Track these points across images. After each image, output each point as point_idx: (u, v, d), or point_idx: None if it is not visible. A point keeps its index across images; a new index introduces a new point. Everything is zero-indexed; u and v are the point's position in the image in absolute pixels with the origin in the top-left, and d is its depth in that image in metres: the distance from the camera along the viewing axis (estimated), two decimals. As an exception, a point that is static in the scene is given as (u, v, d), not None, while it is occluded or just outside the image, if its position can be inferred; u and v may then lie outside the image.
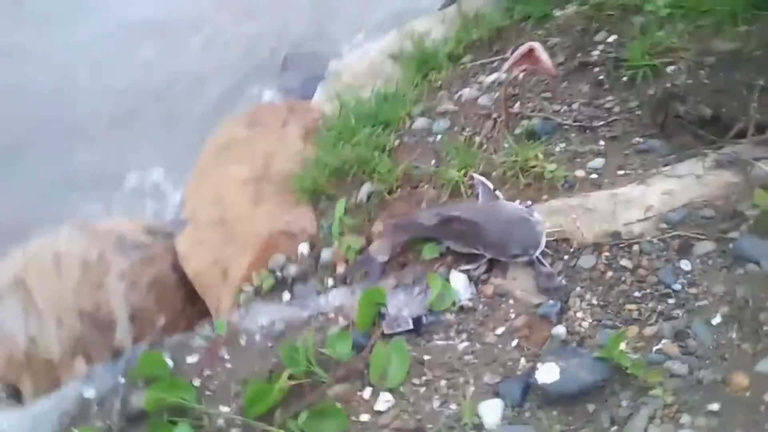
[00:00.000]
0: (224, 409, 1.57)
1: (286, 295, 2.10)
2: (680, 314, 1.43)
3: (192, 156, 3.23)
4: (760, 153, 1.71)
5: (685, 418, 1.24)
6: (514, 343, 1.52)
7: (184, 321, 2.64)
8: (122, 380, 1.70)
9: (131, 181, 4.22)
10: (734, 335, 1.36)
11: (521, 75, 2.26)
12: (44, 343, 2.65)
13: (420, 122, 2.45)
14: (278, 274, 2.21)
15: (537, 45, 2.00)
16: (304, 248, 2.24)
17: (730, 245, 1.51)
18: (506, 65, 2.15)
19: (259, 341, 1.72)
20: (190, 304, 2.72)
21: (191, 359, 1.72)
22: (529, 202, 1.85)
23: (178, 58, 5.52)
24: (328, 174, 2.37)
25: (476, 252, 1.75)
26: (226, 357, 1.70)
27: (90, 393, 1.70)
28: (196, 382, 1.64)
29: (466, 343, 1.56)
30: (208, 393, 1.62)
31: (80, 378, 1.76)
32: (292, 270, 2.17)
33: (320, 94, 3.92)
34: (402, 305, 1.66)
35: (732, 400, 1.25)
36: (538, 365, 1.36)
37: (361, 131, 2.46)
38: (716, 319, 1.39)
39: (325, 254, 2.13)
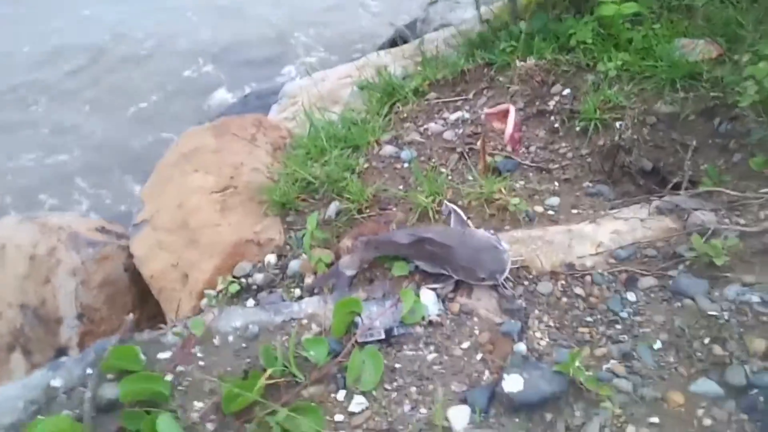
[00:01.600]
0: (198, 404, 1.60)
1: (250, 302, 2.14)
2: (626, 339, 1.62)
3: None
4: (694, 204, 1.96)
5: (630, 429, 1.41)
6: (479, 356, 1.65)
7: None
8: (90, 371, 1.69)
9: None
10: (672, 359, 1.55)
11: (493, 124, 2.45)
12: (-23, 336, 2.55)
13: (388, 149, 2.60)
14: (243, 281, 2.25)
15: (512, 109, 2.22)
16: (271, 258, 2.30)
17: (670, 281, 1.72)
18: (484, 112, 2.35)
19: (232, 342, 1.77)
20: (140, 305, 2.70)
21: (163, 355, 1.74)
22: (493, 231, 2.01)
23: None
24: (298, 189, 2.46)
25: (445, 273, 1.89)
26: (199, 355, 1.73)
27: (57, 382, 1.67)
28: (169, 378, 1.66)
29: (434, 355, 1.67)
30: (180, 389, 1.64)
31: (47, 367, 1.72)
32: (258, 278, 2.22)
33: (275, 114, 4.01)
34: (375, 316, 1.76)
35: (669, 415, 1.43)
36: (505, 375, 1.50)
37: (331, 152, 2.58)
38: (657, 345, 1.58)
39: (293, 265, 2.20)
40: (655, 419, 1.42)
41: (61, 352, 2.54)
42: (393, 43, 5.90)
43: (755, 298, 1.60)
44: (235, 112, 5.55)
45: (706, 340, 1.55)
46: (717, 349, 1.52)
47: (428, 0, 3.06)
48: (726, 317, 1.58)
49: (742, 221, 1.85)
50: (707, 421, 1.40)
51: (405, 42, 4.72)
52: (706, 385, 1.46)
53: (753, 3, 2.55)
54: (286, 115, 3.88)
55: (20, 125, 5.25)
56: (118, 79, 5.78)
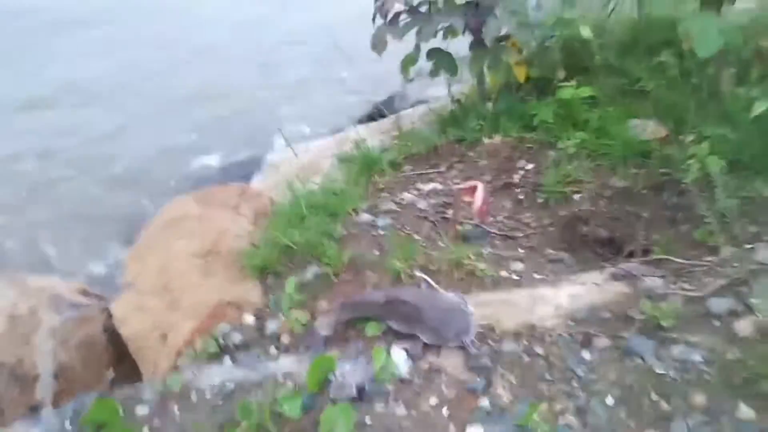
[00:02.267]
0: (174, 458, 1.66)
1: (228, 361, 2.21)
2: (582, 395, 1.73)
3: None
4: (645, 271, 2.12)
5: (584, 479, 1.50)
6: (446, 412, 1.75)
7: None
8: (68, 426, 1.74)
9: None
10: (623, 414, 1.66)
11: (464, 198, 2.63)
12: (-50, 396, 2.55)
13: (365, 217, 2.75)
14: (221, 341, 2.32)
15: (481, 186, 2.42)
16: (249, 319, 2.38)
17: (622, 342, 1.85)
18: (456, 187, 2.55)
19: (209, 399, 1.84)
20: (116, 364, 2.74)
21: (141, 410, 1.80)
22: (461, 294, 2.14)
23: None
24: (277, 253, 2.58)
25: (414, 334, 2.00)
26: (177, 411, 1.80)
27: (36, 436, 1.73)
28: (146, 432, 1.72)
29: (404, 411, 1.76)
30: (157, 443, 1.71)
31: (27, 420, 1.77)
32: (236, 338, 2.30)
33: (258, 182, 4.19)
34: (348, 374, 1.85)
35: (621, 466, 1.53)
36: (468, 427, 1.59)
37: (311, 218, 2.72)
38: (609, 400, 1.70)
39: (271, 325, 2.29)
40: (607, 470, 1.52)
41: (34, 410, 2.55)
42: (371, 117, 6.20)
43: (698, 357, 1.73)
44: (216, 180, 5.72)
45: (654, 396, 1.67)
46: (663, 404, 1.64)
47: (404, 78, 3.31)
48: (672, 375, 1.71)
49: (687, 286, 2.01)
50: (655, 472, 1.50)
51: (382, 116, 5.00)
52: (654, 438, 1.57)
53: (696, 89, 2.82)
54: (268, 184, 4.06)
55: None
56: (95, 141, 5.95)
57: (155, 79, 7.26)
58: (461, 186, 2.55)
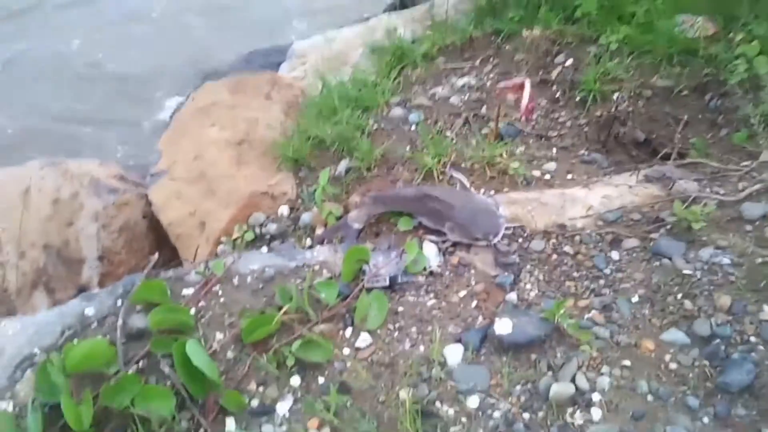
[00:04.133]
0: (219, 335, 1.78)
1: (264, 250, 2.31)
2: (608, 292, 1.79)
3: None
4: (680, 174, 2.11)
5: (605, 369, 1.59)
6: (474, 304, 1.83)
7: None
8: (120, 303, 1.87)
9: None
10: (647, 311, 1.72)
11: (507, 96, 2.56)
12: (1, 272, 2.72)
13: (396, 111, 2.73)
14: (257, 230, 2.42)
15: (528, 83, 2.34)
16: (283, 210, 2.46)
17: (651, 243, 1.88)
18: (500, 86, 2.48)
19: (250, 283, 1.94)
20: (156, 250, 2.87)
21: (186, 291, 1.92)
22: (493, 192, 2.17)
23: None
24: (310, 146, 2.60)
25: (443, 230, 2.05)
26: (220, 293, 1.91)
27: (90, 311, 1.85)
28: (192, 311, 1.84)
29: (433, 301, 1.85)
30: (203, 321, 1.82)
31: (80, 297, 1.90)
32: (272, 228, 2.39)
33: (285, 72, 4.10)
34: (381, 265, 1.93)
35: (640, 359, 1.61)
36: (497, 319, 1.68)
37: (342, 112, 2.71)
38: (635, 298, 1.76)
39: (305, 217, 2.37)
40: (627, 362, 1.60)
41: (82, 290, 2.72)
42: (402, 3, 5.93)
43: (726, 260, 1.76)
44: (238, 70, 5.64)
45: (679, 296, 1.72)
46: (688, 304, 1.69)
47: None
48: (698, 276, 1.75)
49: (721, 191, 2.01)
50: (673, 365, 1.58)
51: (414, 3, 4.79)
52: (675, 335, 1.64)
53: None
54: (297, 74, 3.97)
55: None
56: (117, 35, 5.85)
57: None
58: (506, 84, 2.48)
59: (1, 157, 3.89)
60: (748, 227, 1.87)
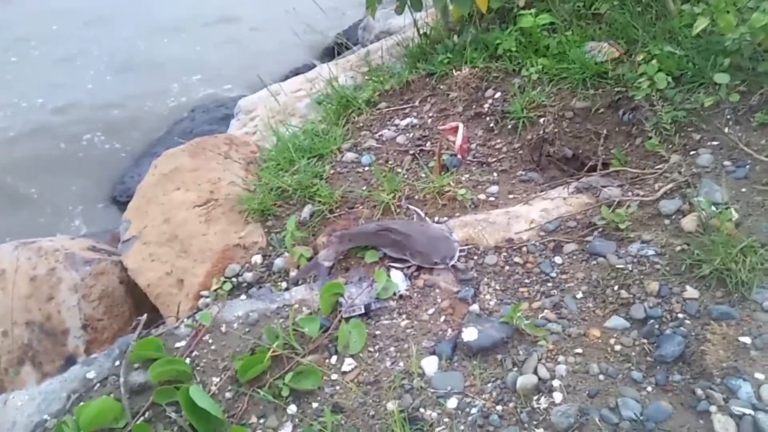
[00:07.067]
0: (215, 379, 1.94)
1: (243, 297, 2.48)
2: (556, 292, 2.04)
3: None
4: (605, 182, 2.41)
5: (561, 358, 1.82)
6: (442, 318, 2.05)
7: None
8: (118, 363, 2.01)
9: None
10: (591, 304, 1.98)
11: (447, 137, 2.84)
12: (-14, 356, 2.79)
13: (349, 155, 2.97)
14: (234, 280, 2.59)
15: (461, 126, 2.64)
16: (257, 258, 2.63)
17: (587, 245, 2.15)
18: (440, 128, 2.78)
19: (237, 328, 2.10)
20: (137, 313, 2.99)
21: (179, 344, 2.07)
22: (446, 218, 2.42)
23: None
24: (274, 196, 2.80)
25: (405, 258, 2.27)
26: (210, 341, 2.07)
27: (91, 374, 1.99)
28: (187, 361, 1.99)
29: (406, 321, 2.06)
30: (198, 369, 1.98)
31: (81, 363, 2.03)
32: (248, 276, 2.56)
33: (236, 129, 4.30)
34: (355, 295, 2.13)
35: (590, 346, 1.85)
36: (463, 329, 1.90)
37: (299, 161, 2.93)
38: (579, 295, 2.01)
39: (278, 262, 2.55)
40: (579, 350, 1.84)
41: (70, 359, 2.81)
42: (334, 50, 6.25)
43: (651, 252, 2.04)
44: (183, 129, 5.85)
45: (616, 287, 1.98)
46: (623, 293, 1.95)
47: (371, 15, 3.46)
48: (630, 268, 2.02)
49: (641, 192, 2.31)
50: (618, 347, 1.82)
51: (347, 48, 5.09)
52: (616, 321, 1.89)
53: (645, 9, 3.03)
54: (247, 130, 4.19)
55: None
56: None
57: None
58: (443, 127, 2.78)
59: None
60: (666, 221, 2.16)
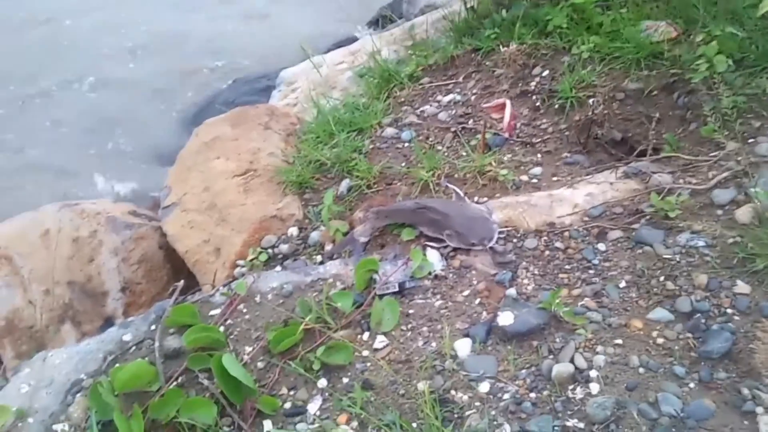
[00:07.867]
0: (248, 348, 1.95)
1: (278, 269, 2.48)
2: (597, 280, 1.97)
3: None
4: (655, 168, 2.31)
5: (599, 348, 1.76)
6: (477, 301, 2.00)
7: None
8: (153, 327, 2.03)
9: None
10: (633, 294, 1.91)
11: (491, 114, 2.77)
12: (29, 312, 2.88)
13: (389, 131, 2.92)
14: (270, 251, 2.59)
15: (509, 103, 2.55)
16: (293, 231, 2.63)
17: (633, 233, 2.07)
18: (485, 106, 2.70)
19: (271, 299, 2.11)
20: (174, 278, 3.04)
21: (213, 312, 2.09)
22: (486, 198, 2.36)
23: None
24: (312, 169, 2.79)
25: (442, 238, 2.23)
26: (245, 311, 2.08)
27: (128, 337, 2.02)
28: (221, 329, 2.01)
29: (440, 302, 2.02)
30: (231, 337, 1.99)
31: (118, 325, 2.07)
32: (284, 248, 2.56)
33: (277, 100, 4.29)
34: (389, 273, 2.11)
35: (631, 337, 1.79)
36: (499, 313, 1.85)
37: (339, 135, 2.90)
38: (622, 284, 1.94)
39: (314, 235, 2.54)
40: (619, 341, 1.78)
41: (109, 320, 2.88)
42: (376, 23, 6.15)
43: (701, 243, 1.95)
44: (225, 98, 5.87)
45: (661, 278, 1.90)
46: (669, 285, 1.87)
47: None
48: (677, 259, 1.93)
49: (693, 180, 2.20)
50: (660, 340, 1.76)
51: (392, 21, 5.00)
52: (660, 313, 1.82)
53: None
54: (288, 102, 4.17)
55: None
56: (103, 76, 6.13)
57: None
58: (489, 105, 2.70)
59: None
60: (719, 212, 2.06)
